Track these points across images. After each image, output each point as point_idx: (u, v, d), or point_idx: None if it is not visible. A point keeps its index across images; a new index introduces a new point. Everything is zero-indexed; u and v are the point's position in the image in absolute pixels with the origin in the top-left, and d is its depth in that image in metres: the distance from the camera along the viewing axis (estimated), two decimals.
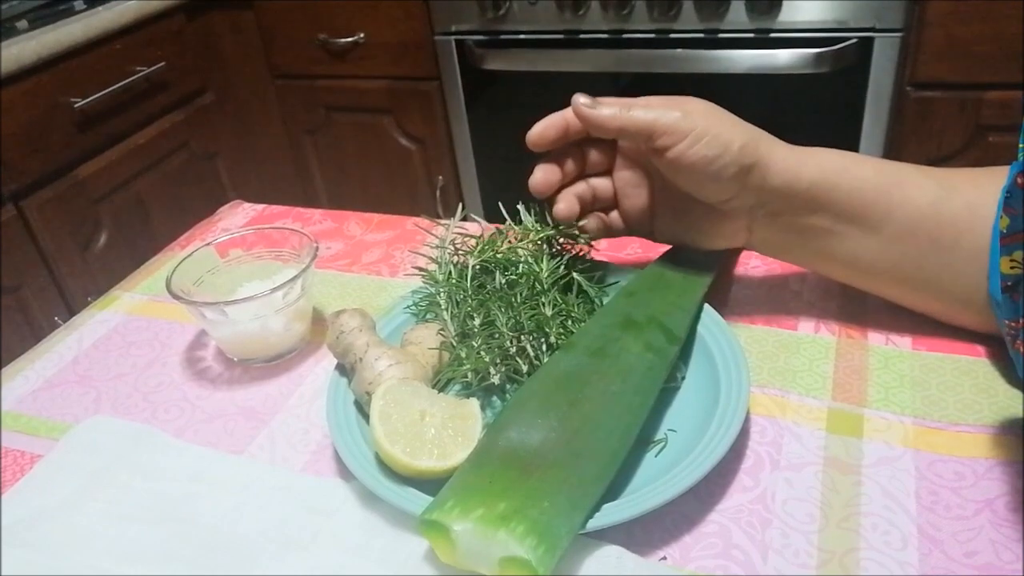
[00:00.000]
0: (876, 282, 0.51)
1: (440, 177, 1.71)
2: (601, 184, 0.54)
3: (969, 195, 0.47)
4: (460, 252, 0.55)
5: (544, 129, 0.50)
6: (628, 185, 0.54)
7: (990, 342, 0.50)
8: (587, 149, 0.53)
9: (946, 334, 0.51)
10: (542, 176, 0.51)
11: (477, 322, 0.50)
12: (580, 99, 0.48)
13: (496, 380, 0.49)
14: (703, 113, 0.47)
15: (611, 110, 0.47)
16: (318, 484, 0.45)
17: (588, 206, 0.54)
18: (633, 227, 0.55)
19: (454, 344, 0.50)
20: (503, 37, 1.49)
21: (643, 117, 0.47)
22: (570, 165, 0.52)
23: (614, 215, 0.55)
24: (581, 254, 0.56)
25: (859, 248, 0.49)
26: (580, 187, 0.53)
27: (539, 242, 0.54)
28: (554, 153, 0.52)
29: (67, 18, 1.37)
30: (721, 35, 1.35)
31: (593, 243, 0.56)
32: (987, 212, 0.46)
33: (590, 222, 0.54)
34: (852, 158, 0.49)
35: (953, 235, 0.47)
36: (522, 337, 0.49)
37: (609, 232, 0.55)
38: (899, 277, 0.50)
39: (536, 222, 0.56)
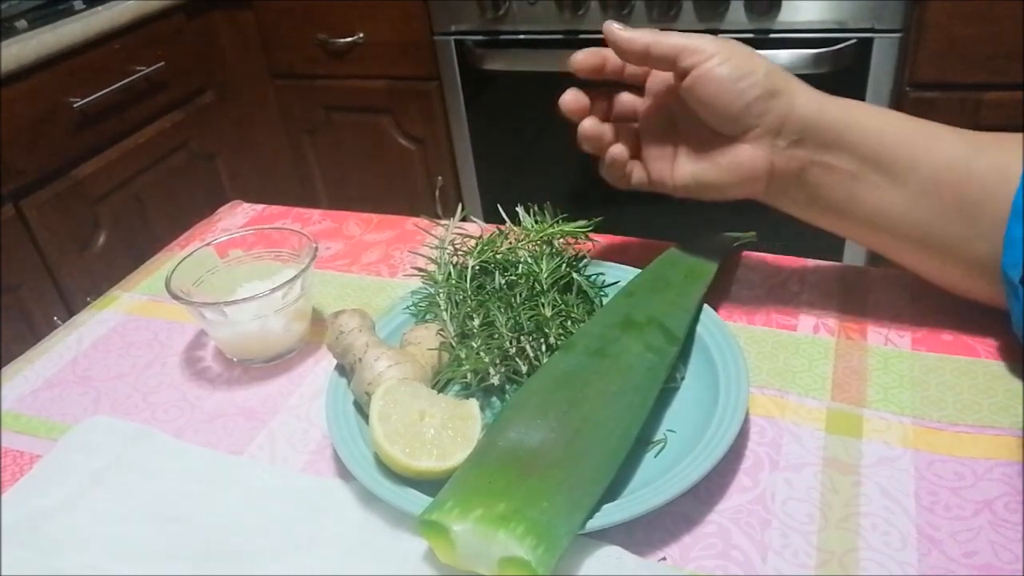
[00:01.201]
0: (897, 243, 0.50)
1: (439, 177, 1.71)
2: (625, 130, 0.54)
3: (996, 157, 0.46)
4: (460, 252, 0.55)
5: (585, 56, 0.52)
6: (652, 131, 0.53)
7: (990, 342, 0.50)
8: (614, 97, 0.54)
9: (946, 334, 0.51)
10: (572, 97, 0.52)
11: (476, 323, 0.50)
12: (612, 24, 0.49)
13: (495, 381, 0.49)
14: (730, 42, 0.48)
15: (641, 31, 0.49)
16: (318, 484, 0.45)
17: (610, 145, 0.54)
18: (654, 176, 0.53)
19: (453, 345, 0.50)
20: (503, 37, 1.49)
21: (671, 38, 0.48)
22: (597, 105, 0.53)
23: (635, 166, 0.54)
24: (580, 254, 0.56)
25: (884, 200, 0.48)
26: (605, 126, 0.53)
27: (538, 242, 0.54)
28: (584, 89, 0.53)
29: (66, 18, 1.37)
30: (720, 35, 1.35)
31: (592, 240, 0.56)
32: (1013, 176, 0.45)
33: (615, 149, 0.53)
34: (878, 108, 0.48)
35: (980, 195, 0.46)
36: (521, 338, 0.49)
37: (627, 180, 0.54)
38: (922, 238, 0.48)
39: (536, 222, 0.56)
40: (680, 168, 0.52)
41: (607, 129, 0.53)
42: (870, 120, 0.47)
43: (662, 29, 0.50)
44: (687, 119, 0.51)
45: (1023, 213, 0.44)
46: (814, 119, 0.47)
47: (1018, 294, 0.45)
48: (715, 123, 0.49)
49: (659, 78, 0.53)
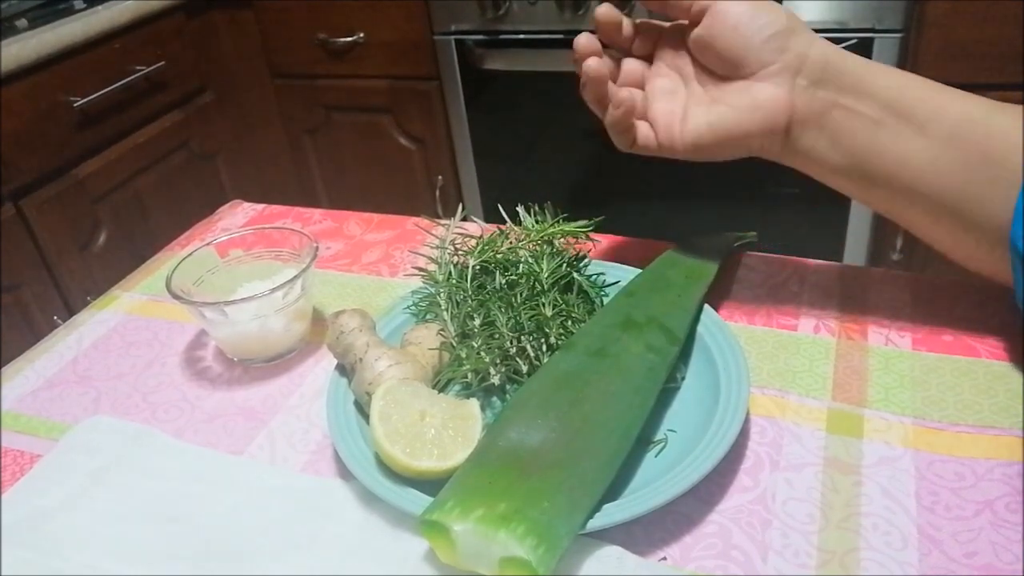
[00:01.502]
0: (916, 201, 0.48)
1: (440, 177, 1.71)
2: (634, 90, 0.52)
3: (1014, 117, 0.45)
4: (460, 252, 0.55)
5: (608, 9, 0.50)
6: (661, 91, 0.51)
7: (991, 342, 0.50)
8: (621, 63, 0.52)
9: (946, 334, 0.51)
10: (586, 40, 0.49)
11: (477, 322, 0.50)
12: None
13: (496, 380, 0.49)
14: None
15: None
16: (318, 484, 0.45)
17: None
18: (662, 136, 0.50)
19: (454, 344, 0.50)
20: (503, 37, 1.49)
21: None
22: (608, 60, 0.51)
23: (642, 125, 0.51)
24: (581, 254, 0.56)
25: (909, 149, 0.46)
26: (609, 65, 0.51)
27: (539, 242, 0.54)
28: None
29: (67, 17, 1.37)
30: None
31: (592, 240, 0.56)
32: (1019, 144, 0.44)
33: (620, 92, 0.50)
34: (893, 68, 0.48)
35: (1003, 149, 0.45)
36: (522, 337, 0.49)
37: (632, 137, 0.51)
38: (943, 194, 0.47)
39: (536, 222, 0.56)
40: (692, 121, 0.49)
41: (610, 68, 0.51)
42: (891, 72, 0.47)
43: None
44: (700, 73, 0.50)
45: None
46: (836, 61, 0.47)
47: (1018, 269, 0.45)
48: (733, 60, 0.47)
49: (670, 40, 0.51)
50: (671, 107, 0.50)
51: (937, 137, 0.46)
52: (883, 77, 0.47)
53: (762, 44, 0.47)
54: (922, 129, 0.46)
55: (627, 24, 0.51)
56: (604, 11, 0.51)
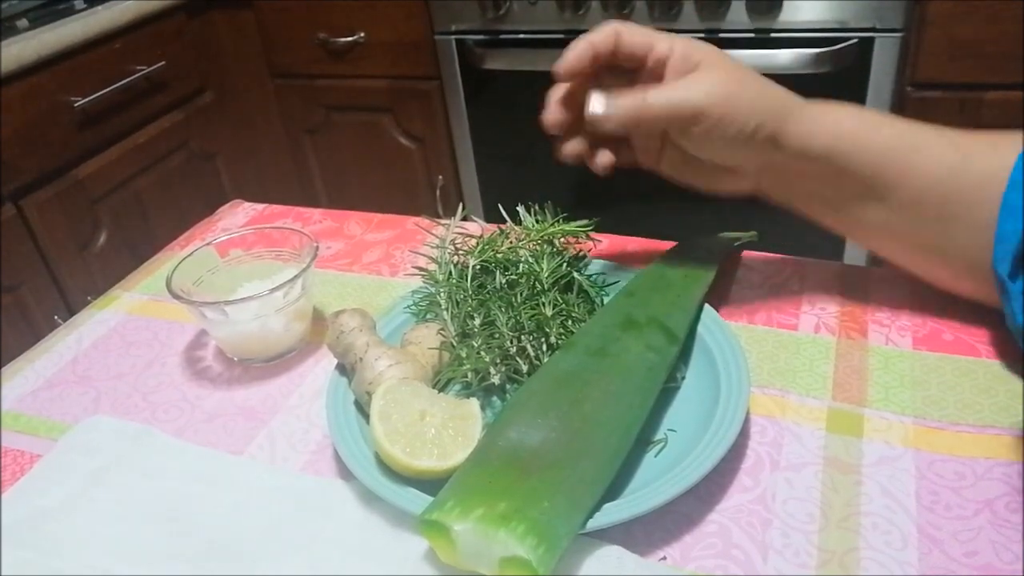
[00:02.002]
0: (880, 244, 0.52)
1: (440, 177, 1.71)
2: None
3: (986, 163, 0.46)
4: (460, 252, 0.55)
5: (573, 62, 0.48)
6: (638, 145, 0.54)
7: (991, 342, 0.50)
8: (603, 79, 0.52)
9: (946, 334, 0.51)
10: (554, 114, 0.51)
11: (477, 322, 0.50)
12: (595, 108, 0.47)
13: (496, 380, 0.49)
14: (722, 85, 0.46)
15: (627, 110, 0.47)
16: (318, 484, 0.45)
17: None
18: (641, 157, 0.55)
19: (454, 344, 0.50)
20: (503, 37, 1.49)
21: (658, 109, 0.46)
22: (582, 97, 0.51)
23: (623, 150, 0.54)
24: (581, 253, 0.56)
25: (866, 213, 0.49)
26: (582, 145, 0.53)
27: (539, 242, 0.54)
28: (570, 85, 0.51)
29: (67, 17, 1.37)
30: (721, 35, 1.35)
31: (593, 239, 0.56)
32: (1000, 182, 0.45)
33: (601, 157, 0.53)
34: (870, 122, 0.48)
35: (964, 206, 0.46)
36: (522, 337, 0.49)
37: (613, 161, 0.53)
38: (904, 242, 0.50)
39: (537, 222, 0.56)
40: (668, 163, 0.53)
41: (584, 147, 0.53)
42: (856, 148, 0.47)
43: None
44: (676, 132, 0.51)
45: (1015, 209, 0.44)
46: (800, 158, 0.48)
47: (1007, 291, 0.45)
48: (702, 158, 0.50)
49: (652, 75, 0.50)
50: (650, 139, 0.53)
51: (896, 203, 0.48)
52: (847, 157, 0.47)
53: (729, 155, 0.49)
54: (882, 198, 0.48)
55: (601, 48, 0.49)
56: (565, 68, 0.49)
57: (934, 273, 0.51)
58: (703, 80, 0.47)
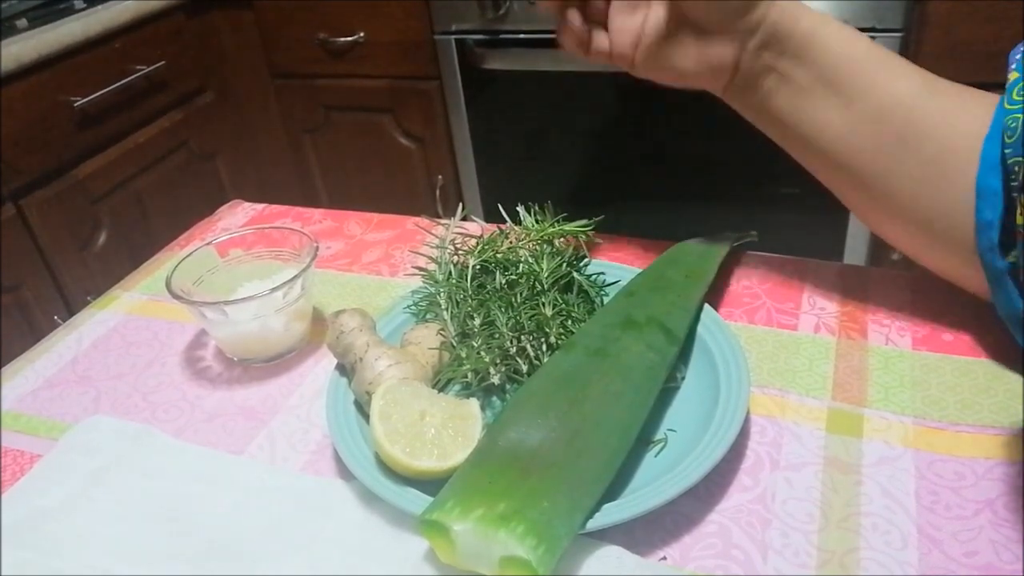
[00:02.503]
0: (840, 172, 0.51)
1: (440, 177, 1.71)
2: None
3: (946, 102, 0.48)
4: (460, 252, 0.55)
5: None
6: (623, 6, 0.51)
7: (990, 342, 0.50)
8: None
9: (946, 334, 0.51)
10: None
11: (477, 322, 0.50)
12: None
13: (496, 380, 0.49)
14: None
15: None
16: (318, 484, 0.45)
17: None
18: (616, 48, 0.51)
19: (454, 344, 0.50)
20: (503, 37, 1.49)
21: None
22: None
23: (599, 34, 0.52)
24: (581, 253, 0.56)
25: (826, 119, 0.49)
26: None
27: (539, 242, 0.54)
28: None
29: (67, 17, 1.37)
30: None
31: (592, 239, 0.56)
32: (960, 124, 0.47)
33: (571, 15, 0.51)
34: (850, 30, 0.49)
35: (919, 136, 0.47)
36: (522, 337, 0.49)
37: (586, 46, 0.52)
38: (862, 169, 0.50)
39: (536, 222, 0.56)
40: (643, 53, 0.51)
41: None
42: (838, 41, 0.48)
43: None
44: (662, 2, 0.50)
45: (994, 195, 0.45)
46: (788, 28, 0.48)
47: (998, 278, 0.45)
48: (693, 18, 0.49)
49: None
50: (629, 23, 0.51)
51: (858, 113, 0.48)
52: (824, 46, 0.48)
53: (727, 14, 0.48)
54: (846, 103, 0.48)
55: None
56: None
57: (889, 228, 0.52)
58: None
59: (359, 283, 0.65)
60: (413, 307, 0.54)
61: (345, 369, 0.50)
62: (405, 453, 0.41)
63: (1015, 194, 0.44)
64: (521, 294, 0.51)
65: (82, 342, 0.61)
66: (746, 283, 0.59)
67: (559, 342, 0.49)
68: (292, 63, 1.70)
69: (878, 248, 1.44)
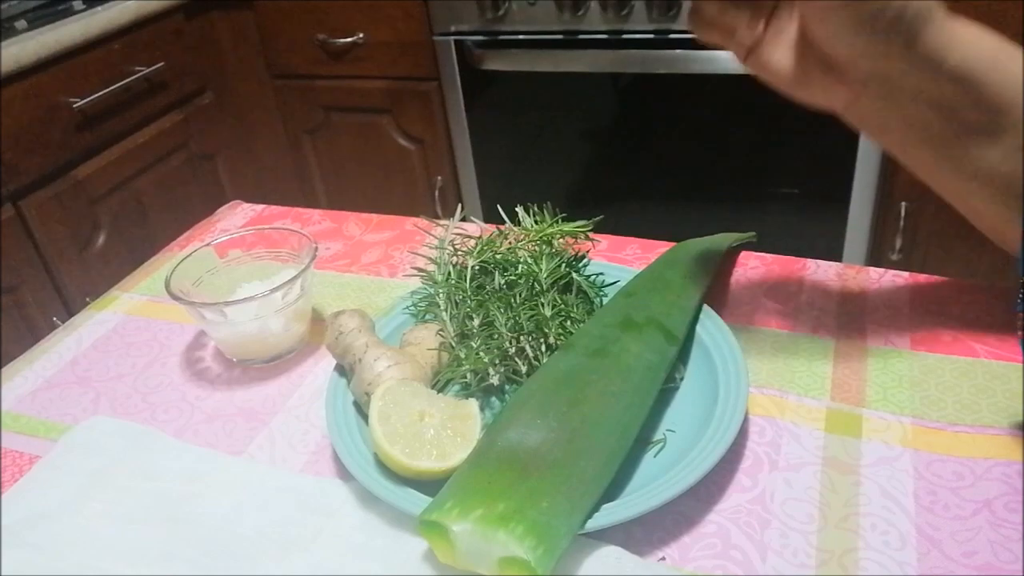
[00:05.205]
0: (971, 190, 0.46)
1: (439, 177, 1.71)
2: None
3: None
4: (459, 253, 0.55)
5: None
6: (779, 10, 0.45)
7: (989, 342, 0.50)
8: None
9: (945, 335, 0.51)
10: None
11: (476, 323, 0.50)
12: None
13: (495, 381, 0.49)
14: None
15: None
16: (317, 485, 0.45)
17: None
18: (742, 34, 0.46)
19: (453, 345, 0.50)
20: (502, 37, 1.49)
21: None
22: None
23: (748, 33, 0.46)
24: (580, 254, 0.56)
25: (969, 152, 0.43)
26: None
27: (538, 242, 0.54)
28: None
29: (66, 18, 1.37)
30: None
31: (592, 240, 0.56)
32: None
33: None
34: (1009, 49, 0.43)
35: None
36: (521, 338, 0.49)
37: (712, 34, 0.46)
38: (1004, 193, 0.44)
39: (535, 222, 0.56)
40: (765, 51, 0.45)
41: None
42: (989, 74, 0.42)
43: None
44: (792, 13, 0.44)
45: None
46: (928, 63, 0.41)
47: None
48: (819, 38, 0.43)
49: None
50: (779, 32, 0.45)
51: (1011, 144, 0.43)
52: (977, 82, 0.42)
53: (857, 37, 0.41)
54: (996, 137, 0.43)
55: None
56: None
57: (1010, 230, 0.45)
58: None
59: (358, 284, 0.65)
60: (412, 308, 0.55)
61: (344, 370, 0.50)
62: (404, 454, 0.41)
63: None
64: (520, 295, 0.51)
65: (81, 343, 0.61)
66: (745, 283, 0.59)
67: (558, 342, 0.49)
68: (291, 64, 1.70)
69: (877, 248, 1.44)
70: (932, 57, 0.41)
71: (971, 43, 0.42)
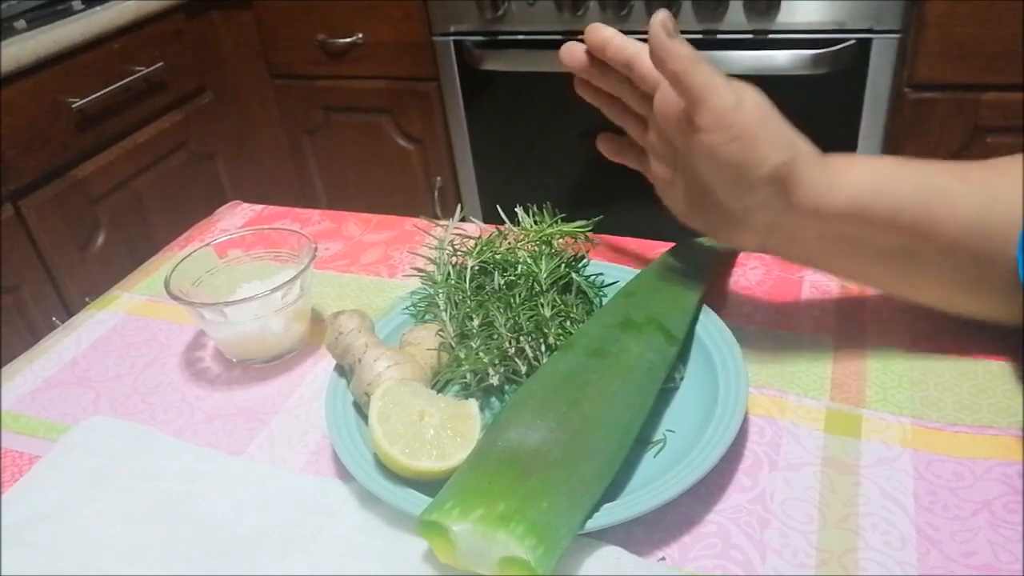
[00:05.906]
0: (905, 292, 0.49)
1: (438, 177, 1.71)
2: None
3: (1011, 200, 0.42)
4: (459, 253, 0.55)
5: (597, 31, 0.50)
6: (654, 150, 0.50)
7: (989, 343, 0.50)
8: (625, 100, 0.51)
9: (945, 335, 0.51)
10: (571, 50, 0.51)
11: (476, 323, 0.50)
12: (661, 16, 0.42)
13: (495, 381, 0.49)
14: (755, 111, 0.43)
15: (684, 49, 0.42)
16: (317, 485, 0.45)
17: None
18: (655, 165, 0.51)
19: (453, 345, 0.50)
20: (501, 38, 1.49)
21: (703, 78, 0.42)
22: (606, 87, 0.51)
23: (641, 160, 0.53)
24: (580, 254, 0.56)
25: (890, 271, 0.47)
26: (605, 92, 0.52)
27: (537, 243, 0.54)
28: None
29: (66, 18, 1.37)
30: (719, 36, 1.35)
31: (591, 240, 0.56)
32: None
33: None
34: (888, 174, 0.44)
35: (995, 249, 0.43)
36: (521, 338, 0.49)
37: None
38: (931, 292, 0.47)
39: (535, 223, 0.56)
40: (672, 201, 0.51)
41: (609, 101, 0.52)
42: (877, 206, 0.43)
43: None
44: (686, 164, 0.48)
45: None
46: (814, 216, 0.44)
47: None
48: (710, 188, 0.46)
49: (666, 102, 0.47)
50: (661, 172, 0.51)
51: (926, 257, 0.45)
52: (869, 216, 0.43)
53: (737, 195, 0.44)
54: (909, 256, 0.45)
55: (616, 49, 0.50)
56: (591, 34, 0.49)
57: (964, 308, 0.48)
58: (750, 90, 0.43)
59: (358, 284, 0.65)
60: (412, 308, 0.55)
61: (344, 370, 0.50)
62: (404, 454, 0.41)
63: None
64: (520, 295, 0.51)
65: (81, 343, 0.61)
66: (745, 283, 0.59)
67: (558, 343, 0.49)
68: (291, 64, 1.70)
69: None
70: (817, 205, 0.44)
71: (854, 182, 0.44)
